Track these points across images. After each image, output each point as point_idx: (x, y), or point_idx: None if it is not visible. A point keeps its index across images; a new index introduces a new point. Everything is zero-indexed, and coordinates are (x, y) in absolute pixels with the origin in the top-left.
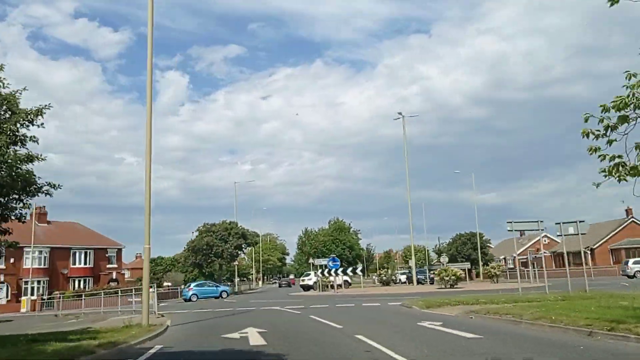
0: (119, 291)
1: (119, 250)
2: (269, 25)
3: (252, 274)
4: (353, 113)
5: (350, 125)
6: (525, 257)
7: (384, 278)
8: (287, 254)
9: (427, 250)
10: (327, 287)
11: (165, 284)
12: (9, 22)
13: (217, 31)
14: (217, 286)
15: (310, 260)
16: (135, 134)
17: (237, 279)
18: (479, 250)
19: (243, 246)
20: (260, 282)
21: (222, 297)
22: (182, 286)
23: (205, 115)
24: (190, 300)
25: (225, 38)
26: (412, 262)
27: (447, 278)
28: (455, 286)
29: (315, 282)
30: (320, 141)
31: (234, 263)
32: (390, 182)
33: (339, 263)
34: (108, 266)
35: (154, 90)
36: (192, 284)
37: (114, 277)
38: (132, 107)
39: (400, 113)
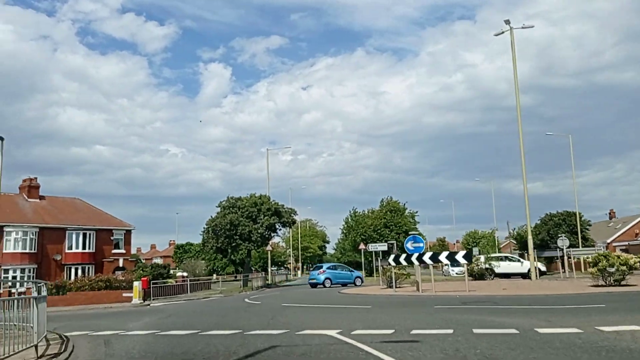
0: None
1: (128, 233)
2: (309, 15)
3: (289, 263)
4: (394, 102)
5: (391, 114)
6: (624, 242)
7: (476, 269)
8: (328, 242)
9: (496, 237)
10: (394, 281)
11: (178, 274)
12: (58, 18)
13: (259, 22)
14: (351, 271)
15: (362, 247)
16: (179, 125)
17: (270, 268)
18: (579, 234)
19: (277, 226)
20: (299, 272)
21: (355, 284)
22: (214, 276)
23: (247, 107)
24: (322, 285)
25: (267, 29)
26: (529, 244)
27: (612, 269)
28: (622, 282)
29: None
30: (361, 131)
31: (267, 248)
32: (431, 172)
33: (422, 245)
34: (113, 251)
35: (197, 82)
36: (325, 266)
37: (121, 264)
38: (176, 100)
39: (507, 22)
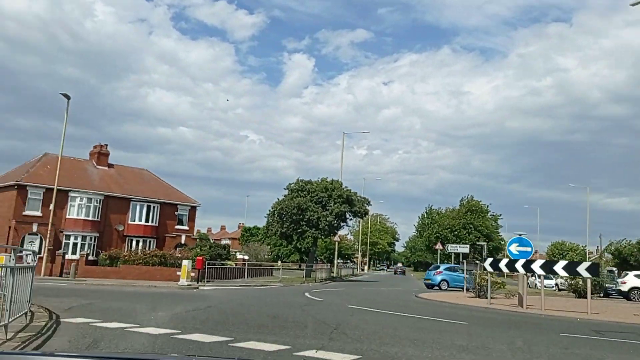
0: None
1: (193, 209)
2: (397, 10)
3: (356, 257)
4: (478, 103)
5: (473, 115)
6: None
7: (581, 285)
8: (398, 239)
9: (586, 251)
10: (488, 290)
11: (239, 256)
12: (156, 2)
13: (345, 15)
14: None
15: (438, 247)
16: (260, 112)
17: (336, 260)
18: None
19: (347, 215)
20: (365, 268)
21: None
22: (278, 263)
23: (327, 99)
24: (438, 287)
25: (353, 22)
26: None
27: None
28: None
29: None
30: (440, 130)
31: (334, 238)
32: (512, 178)
33: (530, 250)
34: (177, 227)
35: (280, 72)
36: (442, 267)
37: (183, 241)
38: (258, 87)
39: None
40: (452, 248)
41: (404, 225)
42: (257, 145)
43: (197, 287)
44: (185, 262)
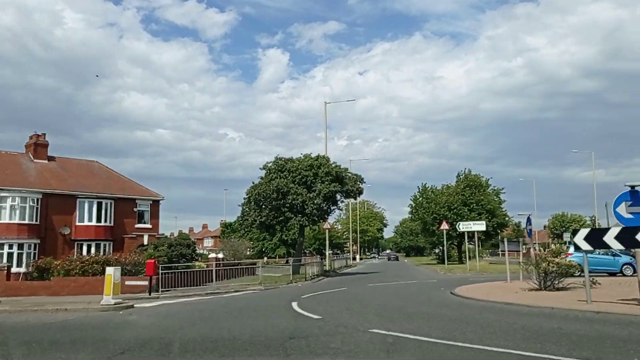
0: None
1: (155, 204)
2: (366, 0)
3: (347, 246)
4: (452, 87)
5: (448, 99)
6: None
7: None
8: (387, 225)
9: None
10: (545, 278)
11: (211, 255)
12: (124, 6)
13: (316, 8)
14: (615, 255)
15: (444, 227)
16: (237, 109)
17: (328, 251)
18: None
19: (338, 196)
20: (357, 257)
21: (623, 274)
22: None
23: (304, 92)
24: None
25: (324, 15)
26: None
27: None
28: None
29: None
30: (417, 116)
31: (324, 226)
32: (489, 159)
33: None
34: (137, 226)
35: (255, 68)
36: (571, 248)
37: (146, 242)
38: (234, 85)
39: None
40: (464, 226)
41: (388, 212)
42: (237, 142)
43: (132, 306)
44: (109, 271)
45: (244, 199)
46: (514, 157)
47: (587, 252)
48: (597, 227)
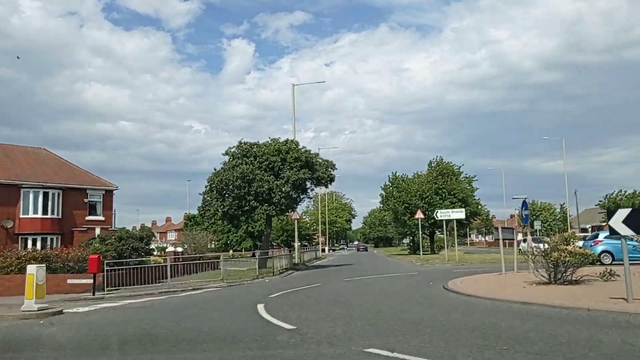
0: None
1: (109, 194)
2: None
3: (316, 237)
4: (418, 79)
5: (414, 91)
6: None
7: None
8: (355, 216)
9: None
10: (556, 269)
11: (170, 249)
12: None
13: None
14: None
15: (419, 215)
16: (203, 101)
17: (297, 243)
18: None
19: (308, 184)
20: (326, 248)
21: None
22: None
23: (270, 83)
24: (599, 261)
25: (290, 5)
26: None
27: None
28: None
29: None
30: (384, 108)
31: (293, 216)
32: (454, 149)
33: None
34: (88, 218)
35: (220, 58)
36: (602, 234)
37: (98, 234)
38: (199, 76)
39: None
40: (442, 214)
41: (356, 204)
42: (203, 134)
43: (60, 312)
44: (31, 270)
45: (205, 187)
46: (478, 148)
47: (624, 237)
48: (567, 214)
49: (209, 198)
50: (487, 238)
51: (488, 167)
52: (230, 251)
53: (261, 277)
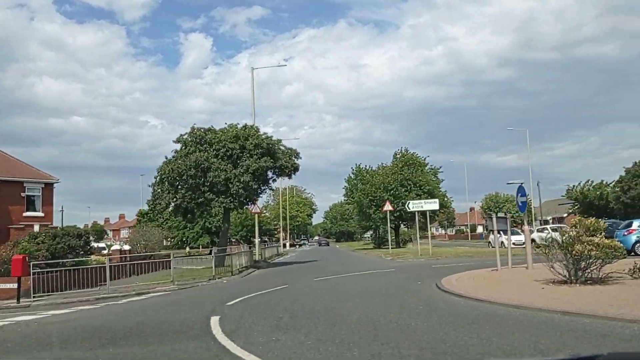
0: None
1: (49, 187)
2: None
3: (277, 233)
4: (376, 75)
5: (373, 87)
6: None
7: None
8: (316, 211)
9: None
10: (576, 265)
11: (115, 247)
12: None
13: None
14: None
15: (387, 208)
16: (159, 95)
17: (258, 239)
18: None
19: (269, 174)
20: (287, 244)
21: None
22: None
23: (228, 78)
24: (633, 251)
25: None
26: None
27: None
28: None
29: None
30: (342, 104)
31: (253, 210)
32: (412, 145)
33: None
34: (26, 214)
35: (177, 53)
36: (636, 222)
37: (37, 231)
38: (155, 70)
39: None
40: (414, 205)
41: (315, 198)
42: (159, 130)
43: None
44: None
45: (155, 177)
46: (436, 143)
47: None
48: (531, 205)
49: (159, 190)
50: (447, 231)
51: (450, 160)
52: (187, 248)
53: (218, 278)
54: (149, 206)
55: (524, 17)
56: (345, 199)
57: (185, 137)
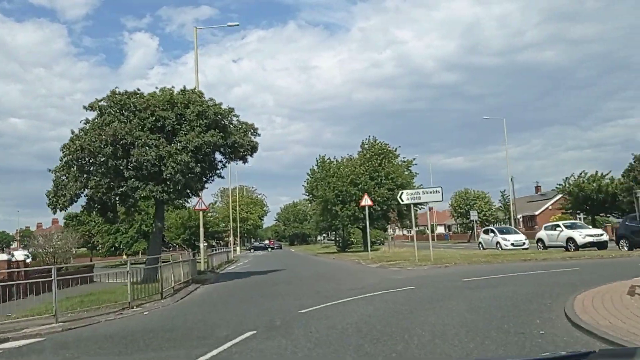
0: None
1: None
2: None
3: (227, 236)
4: (326, 77)
5: (323, 89)
6: None
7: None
8: (267, 212)
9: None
10: None
11: (3, 257)
12: None
13: None
14: None
15: (366, 202)
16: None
17: (203, 243)
18: None
19: (218, 156)
20: (238, 248)
21: None
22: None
23: (175, 79)
24: None
25: None
26: None
27: None
28: None
29: None
30: (293, 105)
31: (197, 206)
32: None
33: None
34: None
35: (121, 52)
36: None
37: None
38: (98, 70)
39: None
40: (410, 196)
41: (266, 200)
42: None
43: None
44: None
45: (60, 159)
46: None
47: None
48: (507, 202)
49: (64, 178)
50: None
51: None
52: (125, 256)
53: (139, 305)
54: (48, 200)
55: (469, 23)
56: (307, 195)
57: (101, 102)
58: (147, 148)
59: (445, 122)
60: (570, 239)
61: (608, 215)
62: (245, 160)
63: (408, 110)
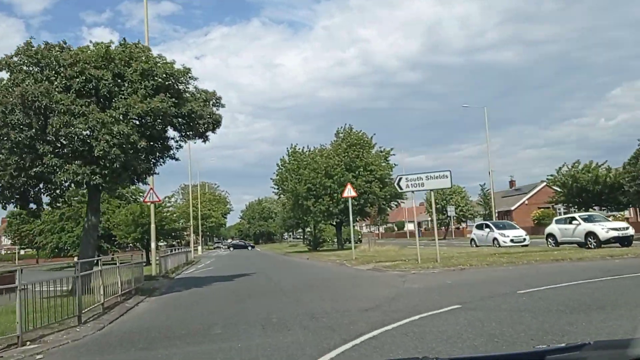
0: None
1: None
2: None
3: (187, 235)
4: (290, 75)
5: (287, 87)
6: None
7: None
8: (231, 210)
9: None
10: None
11: None
12: None
13: None
14: None
15: (349, 194)
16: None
17: (154, 244)
18: None
19: (170, 130)
20: (200, 248)
21: None
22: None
23: None
24: None
25: None
26: None
27: None
28: None
29: None
30: (257, 103)
31: (148, 197)
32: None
33: None
34: None
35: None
36: None
37: None
38: None
39: None
40: (410, 183)
41: (230, 197)
42: None
43: None
44: None
45: None
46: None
47: None
48: (488, 197)
49: None
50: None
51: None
52: (75, 258)
53: (35, 339)
54: None
55: (431, 22)
56: (276, 189)
57: (13, 58)
58: (70, 116)
59: (409, 121)
60: (590, 234)
61: (603, 208)
62: (205, 138)
63: (372, 108)
